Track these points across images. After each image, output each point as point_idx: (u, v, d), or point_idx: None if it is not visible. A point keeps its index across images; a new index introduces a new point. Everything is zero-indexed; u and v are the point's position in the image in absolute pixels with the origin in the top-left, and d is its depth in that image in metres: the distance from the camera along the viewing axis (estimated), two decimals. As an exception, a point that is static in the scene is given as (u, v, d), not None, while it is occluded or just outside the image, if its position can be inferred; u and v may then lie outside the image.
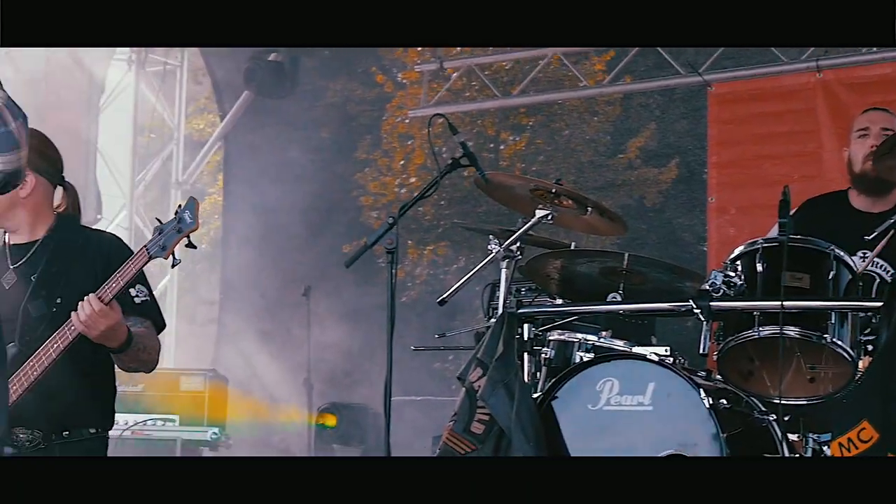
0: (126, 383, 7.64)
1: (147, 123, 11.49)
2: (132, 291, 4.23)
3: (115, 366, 4.17)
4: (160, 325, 4.42)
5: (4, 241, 4.26)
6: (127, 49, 10.77)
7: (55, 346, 4.04)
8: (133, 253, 4.28)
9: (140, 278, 4.24)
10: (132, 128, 11.06)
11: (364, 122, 11.40)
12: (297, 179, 10.85)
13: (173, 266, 4.19)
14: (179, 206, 3.97)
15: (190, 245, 4.06)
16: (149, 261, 4.01)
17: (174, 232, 3.99)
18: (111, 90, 10.98)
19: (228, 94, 11.34)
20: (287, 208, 10.74)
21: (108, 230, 4.73)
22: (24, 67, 9.14)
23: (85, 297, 3.83)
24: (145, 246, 4.00)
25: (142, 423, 7.40)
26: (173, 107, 11.59)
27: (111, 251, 4.30)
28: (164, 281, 11.16)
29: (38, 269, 4.22)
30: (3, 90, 2.64)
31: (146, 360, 4.30)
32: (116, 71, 11.06)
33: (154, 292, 4.28)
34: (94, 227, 4.95)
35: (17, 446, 3.87)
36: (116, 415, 4.41)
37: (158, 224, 4.04)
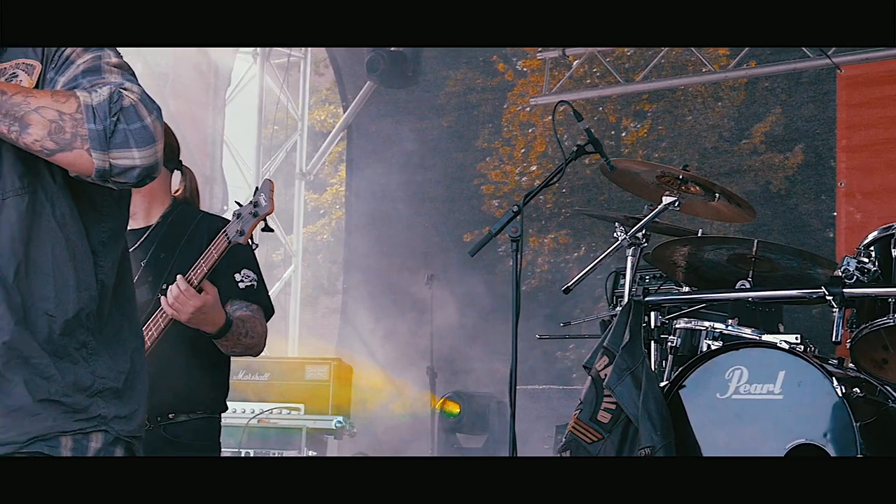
0: (253, 372, 7.78)
1: (271, 115, 11.59)
2: (237, 276, 4.24)
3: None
4: (268, 309, 4.41)
5: None
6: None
7: (149, 332, 4.06)
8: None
9: (247, 262, 4.26)
10: (257, 119, 11.19)
11: (485, 111, 11.40)
12: (418, 169, 10.92)
13: (253, 250, 4.19)
14: (256, 188, 3.97)
15: (267, 229, 4.07)
16: (229, 245, 4.01)
17: (250, 216, 3.99)
18: (237, 83, 11.15)
19: (351, 85, 11.42)
20: (409, 198, 10.80)
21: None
22: (152, 62, 9.33)
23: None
24: (225, 231, 4.00)
25: (268, 411, 7.47)
26: (297, 98, 11.72)
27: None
28: (289, 271, 11.32)
29: (147, 254, 4.25)
30: (139, 84, 2.68)
31: (250, 345, 4.29)
32: (242, 64, 11.21)
33: (265, 278, 4.25)
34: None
35: None
36: (244, 403, 4.36)
37: (238, 208, 4.05)
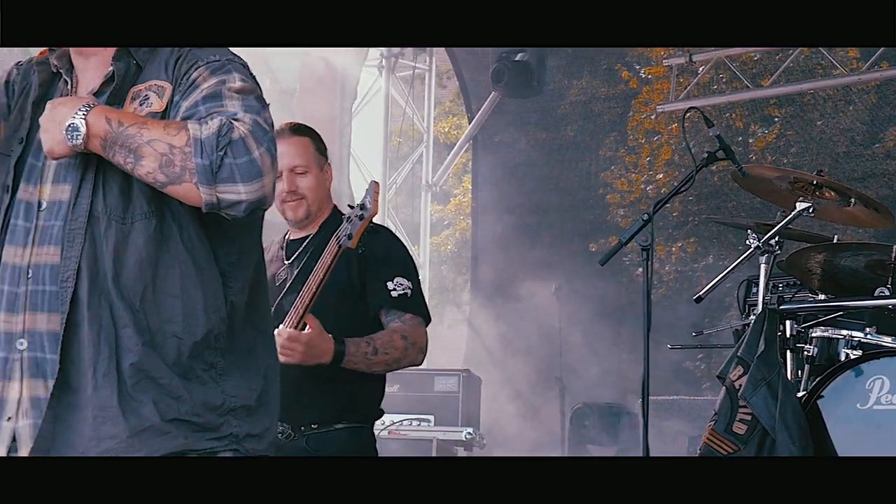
0: (383, 384, 7.86)
1: (397, 127, 11.64)
2: (389, 284, 4.16)
3: None
4: (425, 317, 4.28)
5: (285, 236, 4.27)
6: (377, 55, 10.97)
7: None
8: (400, 244, 4.28)
9: (402, 270, 4.19)
10: (383, 132, 11.23)
11: (609, 119, 11.33)
12: (543, 179, 10.89)
13: (361, 254, 4.11)
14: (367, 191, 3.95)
15: (370, 230, 4.03)
16: (339, 250, 3.95)
17: (357, 219, 3.95)
18: (363, 96, 11.23)
19: (475, 96, 11.42)
20: (534, 208, 10.79)
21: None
22: (280, 78, 9.47)
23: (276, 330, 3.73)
24: (336, 235, 3.96)
25: (398, 423, 7.51)
26: (422, 110, 11.74)
27: (382, 242, 4.25)
28: None
29: (301, 263, 4.21)
30: (259, 108, 2.67)
31: (389, 361, 4.18)
32: (367, 77, 11.26)
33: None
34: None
35: None
36: (375, 415, 4.34)
37: (348, 212, 4.00)
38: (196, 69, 2.78)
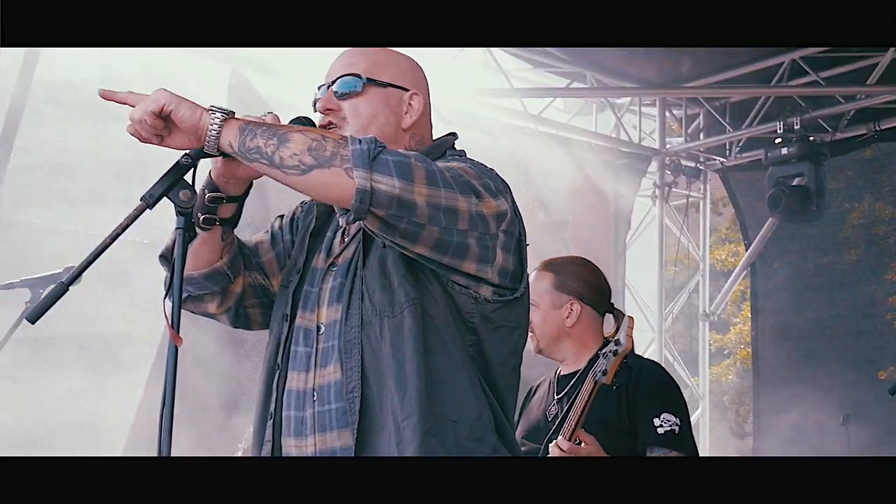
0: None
1: (672, 256, 11.40)
2: (655, 421, 4.07)
3: None
4: (689, 454, 4.16)
5: (556, 372, 4.26)
6: (650, 185, 10.88)
7: None
8: (668, 379, 4.19)
9: (669, 406, 4.11)
10: (658, 261, 11.03)
11: (894, 242, 10.83)
12: (825, 304, 10.46)
13: (614, 388, 4.02)
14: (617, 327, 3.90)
15: (622, 363, 3.94)
16: (595, 386, 3.89)
17: (612, 354, 3.89)
18: (637, 226, 11.12)
19: (752, 222, 11.04)
20: (817, 334, 10.36)
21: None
22: (553, 209, 9.49)
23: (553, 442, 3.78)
24: (592, 372, 3.90)
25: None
26: (697, 238, 11.49)
27: (650, 378, 4.19)
28: (696, 413, 10.97)
29: (570, 400, 4.15)
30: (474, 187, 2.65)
31: None
32: (641, 206, 11.13)
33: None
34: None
35: None
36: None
37: (604, 348, 3.95)
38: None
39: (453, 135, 3.00)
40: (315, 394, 2.70)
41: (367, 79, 2.83)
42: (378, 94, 2.85)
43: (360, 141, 2.45)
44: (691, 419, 4.36)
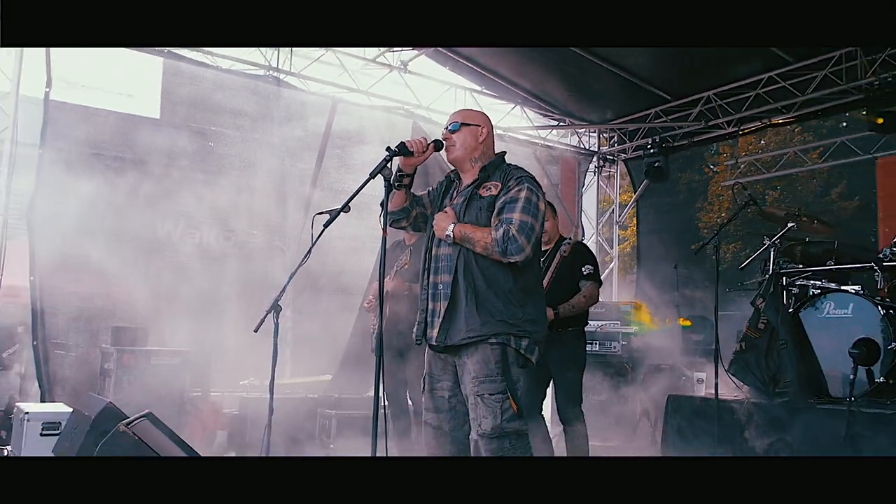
0: None
1: (603, 198, 14.31)
2: (583, 269, 5.67)
3: None
4: (598, 282, 5.85)
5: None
6: (594, 166, 14.24)
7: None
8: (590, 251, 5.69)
9: (590, 261, 5.73)
10: (595, 201, 14.34)
11: (698, 191, 12.45)
12: (663, 221, 13.99)
13: (573, 258, 5.39)
14: None
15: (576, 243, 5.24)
16: (560, 257, 5.26)
17: (566, 245, 5.24)
18: (588, 184, 14.23)
19: (637, 182, 14.37)
20: (668, 235, 13.83)
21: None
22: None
23: None
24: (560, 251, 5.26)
25: None
26: (613, 190, 14.78)
27: (584, 249, 5.83)
28: (610, 267, 14.08)
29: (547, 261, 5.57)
30: (536, 207, 4.06)
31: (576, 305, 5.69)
32: (590, 177, 14.17)
33: None
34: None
35: None
36: None
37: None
38: (511, 180, 4.14)
39: (504, 152, 4.45)
40: (440, 259, 4.30)
41: (462, 123, 4.36)
42: (468, 130, 4.40)
43: (497, 244, 4.01)
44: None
